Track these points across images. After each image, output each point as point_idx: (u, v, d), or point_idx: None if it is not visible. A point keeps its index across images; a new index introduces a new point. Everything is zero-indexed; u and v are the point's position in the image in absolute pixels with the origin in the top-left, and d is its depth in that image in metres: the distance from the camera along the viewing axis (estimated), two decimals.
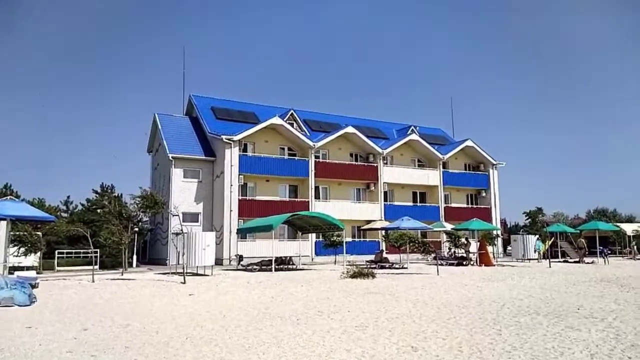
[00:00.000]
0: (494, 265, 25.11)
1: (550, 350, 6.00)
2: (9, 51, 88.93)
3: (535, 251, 29.26)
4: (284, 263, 23.66)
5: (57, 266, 25.29)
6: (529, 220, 40.89)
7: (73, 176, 78.54)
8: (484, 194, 40.33)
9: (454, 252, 27.64)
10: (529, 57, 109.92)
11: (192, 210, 30.25)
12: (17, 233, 17.15)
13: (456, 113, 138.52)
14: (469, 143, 39.51)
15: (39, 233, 18.64)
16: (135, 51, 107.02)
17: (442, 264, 23.99)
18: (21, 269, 18.74)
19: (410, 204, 37.34)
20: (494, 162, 40.42)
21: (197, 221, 30.29)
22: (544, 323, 7.90)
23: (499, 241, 35.47)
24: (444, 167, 38.58)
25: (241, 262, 24.90)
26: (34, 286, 12.64)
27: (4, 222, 15.56)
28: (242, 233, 27.95)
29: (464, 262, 25.63)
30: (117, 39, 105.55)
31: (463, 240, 26.33)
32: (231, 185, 29.42)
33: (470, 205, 40.18)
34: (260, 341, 6.57)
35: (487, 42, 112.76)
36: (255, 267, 22.92)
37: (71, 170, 79.37)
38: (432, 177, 37.72)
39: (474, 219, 28.95)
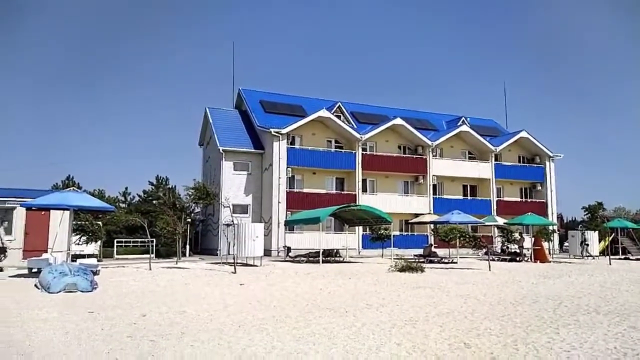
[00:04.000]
0: (550, 262, 24.13)
1: (612, 350, 5.70)
2: (74, 47, 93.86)
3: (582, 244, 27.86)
4: (331, 255, 23.78)
5: (116, 254, 26.59)
6: (588, 215, 38.97)
7: (130, 168, 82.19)
8: (539, 188, 38.74)
9: (507, 247, 26.78)
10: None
11: (241, 202, 30.91)
12: (79, 222, 18.18)
13: (510, 103, 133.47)
14: (523, 134, 38.02)
15: (100, 222, 19.67)
16: (187, 47, 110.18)
17: (493, 260, 23.29)
18: (83, 256, 19.85)
19: (461, 197, 36.46)
20: (551, 154, 38.71)
21: (247, 213, 30.93)
22: (605, 322, 7.52)
23: (555, 237, 34.04)
24: (496, 160, 37.36)
25: (289, 254, 25.25)
26: (95, 273, 13.32)
27: (67, 212, 16.49)
28: (290, 225, 28.31)
29: (518, 258, 24.78)
30: (169, 35, 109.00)
31: (516, 235, 25.44)
32: (279, 177, 29.81)
33: (524, 199, 38.74)
34: (311, 332, 6.63)
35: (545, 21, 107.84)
36: (302, 258, 23.17)
37: (128, 163, 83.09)
38: (483, 169, 36.64)
39: (529, 213, 27.86)
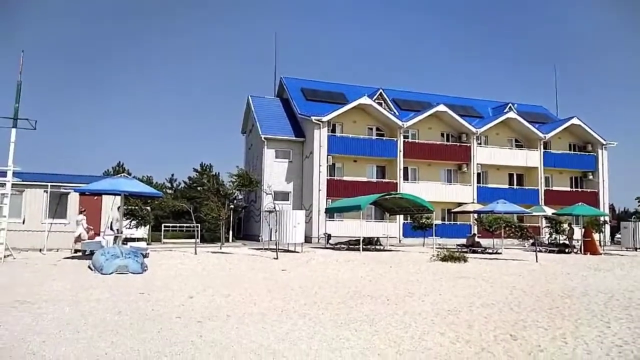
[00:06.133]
0: (601, 254, 23.12)
1: None
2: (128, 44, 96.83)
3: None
4: (371, 243, 23.72)
5: (163, 238, 27.57)
6: None
7: (176, 155, 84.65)
8: (590, 177, 37.03)
9: (555, 238, 25.85)
10: None
11: (282, 189, 31.24)
12: (129, 207, 18.94)
13: (561, 88, 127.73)
14: (575, 121, 36.31)
15: (148, 208, 20.44)
16: (231, 36, 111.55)
17: (541, 251, 22.53)
18: (133, 240, 20.70)
19: (506, 186, 35.38)
20: (604, 142, 36.85)
21: (288, 200, 31.24)
22: None
23: (607, 228, 32.55)
24: (545, 148, 35.93)
25: (329, 241, 25.39)
26: (145, 256, 13.86)
27: (118, 197, 17.20)
28: (330, 212, 28.41)
29: (566, 250, 23.88)
30: (214, 24, 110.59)
31: (565, 226, 24.50)
32: (320, 165, 29.89)
33: (574, 189, 37.15)
34: (352, 319, 6.68)
35: (598, 5, 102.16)
36: (343, 246, 23.24)
37: (174, 150, 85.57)
38: (531, 157, 35.35)
39: (579, 203, 26.71)
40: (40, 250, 17.24)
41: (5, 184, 14.35)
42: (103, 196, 18.92)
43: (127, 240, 19.11)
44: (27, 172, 17.17)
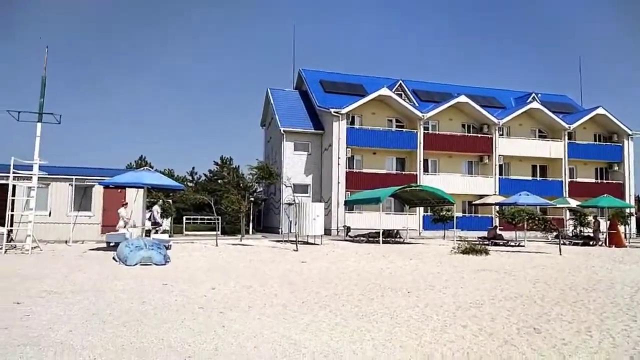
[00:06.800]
0: (626, 247, 22.61)
1: None
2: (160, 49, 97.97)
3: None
4: (390, 236, 23.65)
5: (185, 230, 27.95)
6: None
7: (196, 148, 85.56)
8: (616, 168, 36.13)
9: (580, 230, 25.35)
10: None
11: (301, 181, 31.29)
12: (152, 200, 19.24)
13: (586, 78, 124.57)
14: (600, 111, 35.43)
15: (170, 200, 20.74)
16: (249, 30, 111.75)
17: (564, 244, 22.14)
18: (155, 232, 21.03)
19: (529, 178, 34.80)
20: (630, 132, 35.87)
21: (307, 192, 31.31)
22: None
23: (632, 220, 31.77)
24: (569, 138, 35.18)
25: (348, 233, 25.39)
26: (167, 248, 14.10)
27: (141, 190, 17.47)
28: (350, 205, 28.38)
29: (591, 242, 23.42)
30: (233, 18, 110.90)
31: (591, 218, 23.98)
32: (339, 157, 29.85)
33: (599, 180, 36.32)
34: (373, 310, 6.67)
35: None
36: (362, 238, 23.23)
37: (195, 143, 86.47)
38: (555, 148, 34.65)
39: (604, 195, 26.14)
40: (66, 242, 17.68)
41: (31, 177, 14.73)
42: (126, 189, 19.24)
43: (149, 232, 19.44)
44: (52, 165, 17.55)
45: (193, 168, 41.07)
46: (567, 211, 31.12)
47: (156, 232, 17.60)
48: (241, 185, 23.99)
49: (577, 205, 26.50)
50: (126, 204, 17.89)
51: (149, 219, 18.12)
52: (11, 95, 78.85)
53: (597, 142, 36.65)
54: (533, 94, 37.52)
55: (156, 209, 19.70)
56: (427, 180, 30.50)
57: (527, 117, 35.05)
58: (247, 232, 27.46)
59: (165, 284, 8.65)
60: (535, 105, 34.68)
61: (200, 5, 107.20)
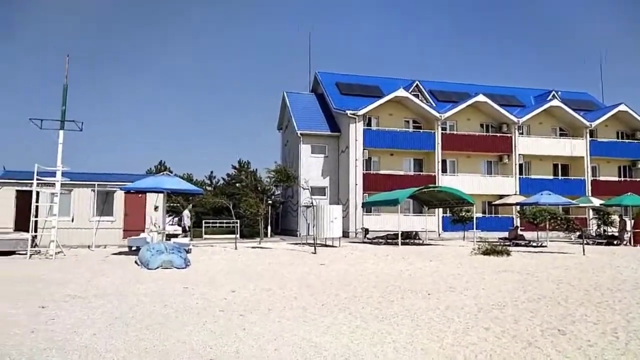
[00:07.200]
0: None
1: None
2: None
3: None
4: (409, 237, 23.49)
5: (204, 234, 28.20)
6: None
7: (214, 153, 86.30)
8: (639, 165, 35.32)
9: (603, 230, 24.80)
10: None
11: (319, 184, 31.29)
12: (172, 204, 19.48)
13: (607, 75, 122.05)
14: (622, 108, 34.67)
15: (189, 204, 20.95)
16: (264, 33, 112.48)
17: (588, 243, 21.69)
18: (175, 236, 21.27)
19: (550, 177, 34.20)
20: None
21: (324, 195, 31.31)
22: None
23: None
24: (591, 136, 34.50)
25: (367, 235, 25.30)
26: (187, 251, 14.26)
27: (161, 195, 17.71)
28: (367, 207, 28.29)
29: (615, 242, 22.90)
30: (248, 21, 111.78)
31: (616, 217, 23.44)
32: (356, 159, 29.79)
33: (622, 178, 35.50)
34: (393, 313, 6.63)
35: None
36: (380, 240, 23.12)
37: (212, 147, 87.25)
38: (576, 147, 34.01)
39: (628, 193, 25.53)
40: (89, 246, 18.00)
41: (54, 184, 15.05)
42: (147, 194, 19.51)
43: (169, 236, 19.68)
44: (75, 172, 17.91)
45: (211, 172, 41.43)
46: (590, 210, 30.50)
47: (185, 236, 17.91)
48: (259, 188, 24.12)
49: (600, 204, 25.94)
50: (157, 207, 18.21)
51: (179, 223, 18.46)
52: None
53: (620, 140, 35.86)
54: (553, 92, 36.90)
55: (186, 213, 20.00)
56: (446, 181, 30.23)
57: (547, 115, 34.50)
58: (265, 235, 27.56)
59: (186, 287, 8.74)
60: (556, 103, 34.13)
61: (217, 8, 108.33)
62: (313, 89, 38.13)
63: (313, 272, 11.38)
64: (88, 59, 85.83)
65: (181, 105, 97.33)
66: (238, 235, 23.52)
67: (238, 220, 25.01)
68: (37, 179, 14.87)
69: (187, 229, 17.34)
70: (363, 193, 29.70)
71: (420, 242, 23.40)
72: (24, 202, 17.83)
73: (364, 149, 29.95)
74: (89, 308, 6.80)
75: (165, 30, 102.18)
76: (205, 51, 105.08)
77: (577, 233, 22.60)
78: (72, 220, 19.58)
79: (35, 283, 9.15)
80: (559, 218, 19.35)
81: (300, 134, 31.19)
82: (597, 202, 27.29)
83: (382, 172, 31.17)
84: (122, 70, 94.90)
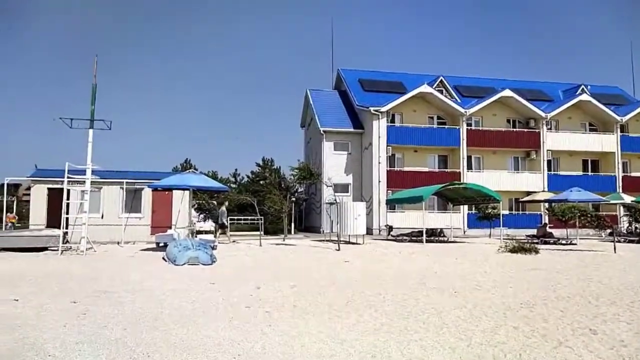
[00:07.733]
0: None
1: None
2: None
3: None
4: (434, 235, 23.25)
5: (229, 231, 28.49)
6: None
7: (239, 150, 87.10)
8: None
9: (635, 227, 24.07)
10: None
11: (342, 181, 31.24)
12: (197, 201, 19.74)
13: (638, 67, 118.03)
14: None
15: (214, 202, 21.21)
16: (287, 31, 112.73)
17: (619, 241, 21.08)
18: (200, 233, 21.57)
19: (580, 173, 33.33)
20: None
21: (347, 192, 31.23)
22: None
23: None
24: (622, 131, 33.46)
25: (391, 233, 25.15)
26: (213, 248, 14.43)
27: (187, 192, 17.97)
28: (391, 204, 28.11)
29: None
30: (271, 20, 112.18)
31: None
32: (379, 156, 29.62)
33: None
34: (419, 310, 6.57)
35: None
36: (405, 237, 22.95)
37: (237, 145, 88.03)
38: (607, 142, 33.04)
39: None
40: (118, 243, 18.40)
41: (85, 181, 15.43)
42: (173, 191, 19.82)
43: (195, 233, 19.96)
44: (104, 169, 18.33)
45: (236, 170, 41.80)
46: (621, 207, 29.63)
47: (223, 234, 18.29)
48: (283, 185, 24.24)
49: (632, 201, 25.19)
50: (195, 206, 18.66)
51: (218, 221, 18.82)
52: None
53: None
54: (582, 86, 35.94)
55: (223, 210, 20.22)
56: (471, 178, 29.80)
57: (576, 109, 33.62)
58: (289, 231, 27.67)
59: (212, 284, 8.85)
60: (585, 97, 33.21)
61: (242, 7, 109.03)
62: (336, 86, 38.05)
63: (337, 269, 11.38)
64: (115, 59, 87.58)
65: (206, 105, 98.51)
66: (262, 232, 23.72)
67: (262, 217, 25.21)
68: (68, 177, 15.26)
69: (225, 225, 17.63)
70: (387, 190, 29.52)
71: (445, 239, 23.14)
72: (55, 200, 18.37)
73: (387, 146, 29.75)
74: (119, 303, 6.95)
75: (193, 32, 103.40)
76: (231, 51, 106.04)
77: (608, 230, 21.98)
78: (102, 217, 20.04)
79: (66, 278, 9.41)
80: (589, 215, 18.84)
81: (323, 130, 31.17)
82: (628, 198, 26.49)
83: (406, 168, 30.93)
84: (149, 71, 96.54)
